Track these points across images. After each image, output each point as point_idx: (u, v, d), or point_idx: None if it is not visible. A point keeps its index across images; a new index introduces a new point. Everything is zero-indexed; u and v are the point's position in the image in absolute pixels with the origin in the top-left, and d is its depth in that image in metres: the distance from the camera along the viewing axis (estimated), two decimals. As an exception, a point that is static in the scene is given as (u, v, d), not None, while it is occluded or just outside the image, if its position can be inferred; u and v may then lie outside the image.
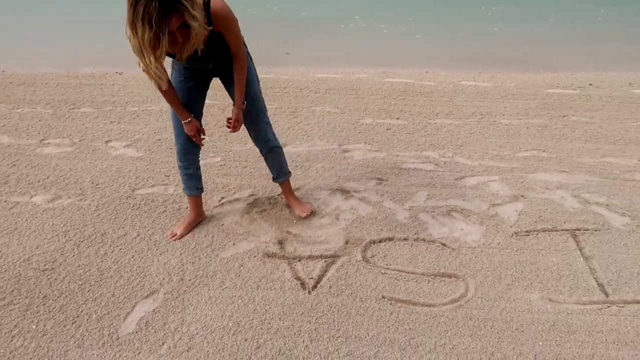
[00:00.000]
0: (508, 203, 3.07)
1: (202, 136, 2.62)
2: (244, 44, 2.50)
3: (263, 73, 5.39)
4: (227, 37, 2.30)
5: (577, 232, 2.79)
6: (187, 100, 2.52)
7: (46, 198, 3.18)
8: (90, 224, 2.92)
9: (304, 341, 2.14)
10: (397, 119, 4.27)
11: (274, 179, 2.95)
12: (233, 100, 2.54)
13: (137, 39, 1.96)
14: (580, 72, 5.44)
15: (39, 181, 3.37)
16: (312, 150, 3.76)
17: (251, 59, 2.60)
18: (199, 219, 2.91)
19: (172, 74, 2.52)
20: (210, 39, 2.26)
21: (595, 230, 2.79)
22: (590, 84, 4.97)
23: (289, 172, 2.97)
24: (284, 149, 3.69)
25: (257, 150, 3.48)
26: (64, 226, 2.90)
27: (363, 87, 4.99)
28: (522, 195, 3.13)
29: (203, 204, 2.96)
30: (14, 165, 3.59)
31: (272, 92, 4.80)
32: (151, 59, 2.03)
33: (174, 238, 2.79)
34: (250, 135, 2.75)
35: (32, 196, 3.21)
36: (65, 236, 2.81)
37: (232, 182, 3.33)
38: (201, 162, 2.88)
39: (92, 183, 3.35)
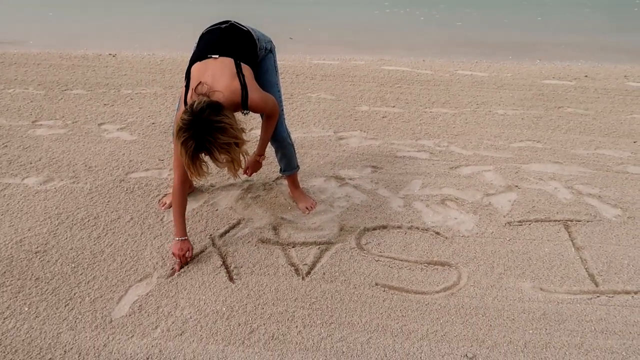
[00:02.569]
0: (502, 193, 3.08)
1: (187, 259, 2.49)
2: (265, 43, 2.56)
3: (259, 58, 5.36)
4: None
5: (569, 222, 2.81)
6: None
7: (38, 180, 3.16)
8: (83, 207, 2.90)
9: (297, 326, 2.15)
10: (393, 107, 4.26)
11: (281, 171, 2.92)
12: None
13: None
14: (576, 63, 5.44)
15: (31, 163, 3.34)
16: (307, 137, 3.75)
17: (272, 50, 2.62)
18: (189, 189, 2.95)
19: None
20: None
21: (587, 221, 2.82)
22: (586, 76, 4.98)
23: (297, 166, 2.92)
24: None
25: (251, 136, 3.47)
26: (56, 209, 2.88)
27: (359, 74, 4.97)
28: (516, 186, 3.14)
29: (195, 184, 2.99)
30: (5, 146, 3.55)
31: (267, 78, 4.76)
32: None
33: (164, 207, 2.89)
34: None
35: (24, 178, 3.18)
36: (57, 219, 2.79)
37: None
38: None
39: (85, 166, 3.32)
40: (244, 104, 2.27)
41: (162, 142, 3.63)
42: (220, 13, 7.05)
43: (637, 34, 6.65)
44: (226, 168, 2.16)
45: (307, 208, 2.92)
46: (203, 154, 2.10)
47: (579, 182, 3.18)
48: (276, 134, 2.67)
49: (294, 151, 2.85)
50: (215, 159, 2.07)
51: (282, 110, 2.67)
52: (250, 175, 2.76)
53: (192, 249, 2.50)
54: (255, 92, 2.31)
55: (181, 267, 2.44)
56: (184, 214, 2.48)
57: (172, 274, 2.42)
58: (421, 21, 6.97)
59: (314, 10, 7.46)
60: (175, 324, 2.15)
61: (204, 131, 1.99)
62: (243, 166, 2.24)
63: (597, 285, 2.39)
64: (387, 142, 3.68)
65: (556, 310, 2.24)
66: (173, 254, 2.44)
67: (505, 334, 2.13)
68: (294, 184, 2.98)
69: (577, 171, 3.31)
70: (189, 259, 2.48)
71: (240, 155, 2.14)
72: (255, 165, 2.70)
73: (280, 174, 2.96)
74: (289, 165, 2.88)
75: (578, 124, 3.98)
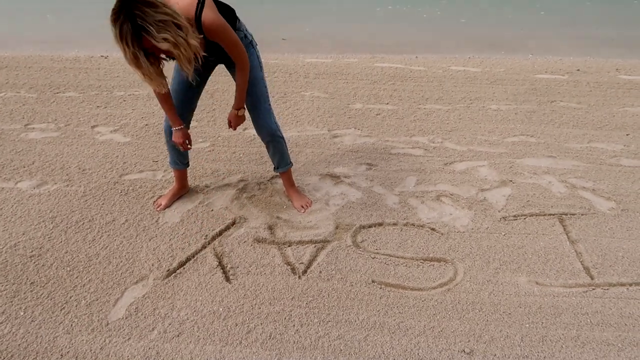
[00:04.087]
0: (496, 188, 3.09)
1: (189, 145, 2.63)
2: (246, 31, 2.51)
3: (251, 57, 5.34)
4: (222, 46, 2.29)
5: (564, 216, 2.82)
6: (185, 96, 2.59)
7: (32, 184, 3.14)
8: (78, 210, 2.89)
9: (294, 325, 2.15)
10: (387, 104, 4.26)
11: (275, 169, 2.91)
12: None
13: (124, 56, 2.02)
14: (568, 57, 5.46)
15: (24, 167, 3.32)
16: (302, 135, 3.74)
17: (254, 45, 2.58)
18: (182, 190, 3.01)
19: (173, 73, 2.57)
20: (210, 43, 2.26)
21: (582, 215, 2.83)
22: (578, 70, 5.00)
23: (291, 162, 2.91)
24: (274, 134, 3.69)
25: (246, 135, 3.47)
26: (50, 212, 2.86)
27: (353, 71, 4.97)
28: (511, 180, 3.15)
29: (190, 184, 3.01)
30: (-2, 150, 3.53)
31: (260, 77, 4.75)
32: (141, 72, 2.08)
33: (159, 208, 2.91)
34: (252, 121, 2.70)
35: (17, 182, 3.16)
36: (52, 222, 2.78)
37: (221, 167, 3.30)
38: (190, 148, 2.83)
39: (79, 169, 3.30)
40: (197, 18, 2.15)
41: (155, 143, 3.62)
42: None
43: (628, 27, 6.68)
44: (175, 55, 2.06)
45: (302, 207, 2.92)
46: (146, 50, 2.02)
47: (573, 176, 3.19)
48: (266, 128, 2.66)
49: (286, 146, 2.84)
50: (155, 41, 1.96)
51: (270, 104, 2.66)
52: (235, 129, 2.67)
53: (191, 137, 2.64)
54: (210, 10, 2.19)
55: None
56: (173, 108, 2.52)
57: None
58: (421, 18, 6.96)
59: (312, 9, 7.44)
60: (172, 326, 2.14)
61: (132, 7, 1.89)
62: (191, 59, 2.11)
63: (592, 278, 2.40)
64: (382, 140, 3.68)
65: (552, 304, 2.25)
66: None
67: (502, 328, 2.14)
68: (289, 181, 2.97)
69: (570, 165, 3.32)
70: (190, 147, 2.64)
71: (187, 44, 2.03)
72: (237, 119, 2.61)
73: (275, 172, 2.95)
74: (282, 161, 2.87)
75: (571, 117, 3.99)
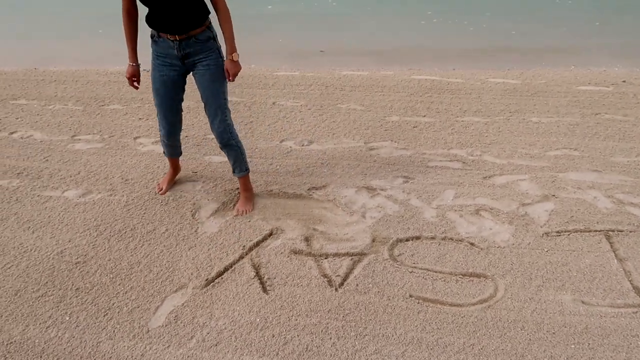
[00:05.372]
0: (538, 202, 3.00)
1: (136, 84, 2.87)
2: (216, 37, 2.73)
3: (289, 70, 5.42)
4: None
5: (610, 233, 2.72)
6: (165, 91, 2.81)
7: (78, 193, 3.26)
8: (120, 219, 2.97)
9: (331, 338, 2.14)
10: (424, 116, 4.22)
11: (233, 172, 3.05)
12: (202, 100, 2.81)
13: None
14: (613, 68, 5.29)
15: (70, 176, 3.45)
16: (338, 147, 3.75)
17: (222, 55, 2.74)
18: (177, 171, 3.33)
19: (151, 68, 2.81)
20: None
21: (630, 232, 2.72)
22: (624, 81, 4.83)
23: (247, 169, 3.03)
24: (309, 147, 3.74)
25: (282, 147, 3.53)
26: (95, 220, 2.96)
27: (389, 84, 4.96)
28: (553, 195, 3.06)
29: (228, 196, 3.13)
30: (47, 160, 3.68)
31: (297, 90, 4.81)
32: None
33: (161, 192, 3.21)
34: (209, 126, 2.89)
35: (64, 191, 3.28)
36: (96, 230, 2.87)
37: (258, 178, 3.34)
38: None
39: (122, 179, 3.41)
40: None
41: (194, 154, 3.70)
42: (255, 28, 7.15)
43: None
44: None
45: (239, 210, 3.00)
46: None
47: (620, 191, 3.07)
48: (220, 136, 2.83)
49: (242, 153, 2.97)
50: None
51: (227, 114, 2.82)
52: (233, 80, 2.72)
53: (140, 74, 2.84)
54: None
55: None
56: (133, 41, 2.73)
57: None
58: (466, 31, 6.89)
59: (353, 21, 7.48)
60: (211, 335, 2.17)
61: None
62: None
63: (642, 298, 2.29)
64: (419, 152, 3.64)
65: (599, 325, 2.16)
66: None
67: (546, 348, 2.06)
68: (243, 185, 3.07)
69: (617, 179, 3.20)
70: (137, 86, 2.86)
71: None
72: (232, 66, 2.67)
73: (232, 175, 3.07)
74: (237, 167, 3.00)
75: (617, 130, 3.85)
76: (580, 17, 7.30)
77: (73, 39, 7.04)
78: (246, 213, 3.00)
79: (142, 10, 2.65)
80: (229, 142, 2.86)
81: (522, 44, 6.31)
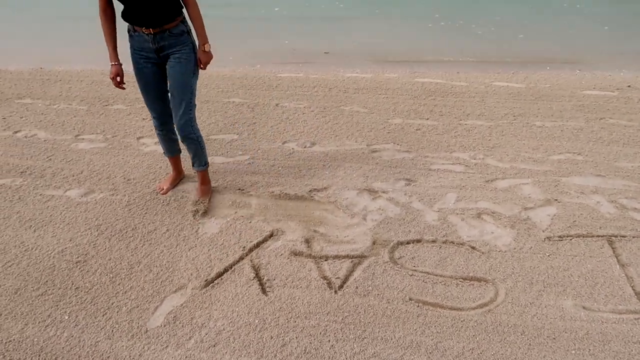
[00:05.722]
0: (541, 207, 2.99)
1: (123, 83, 2.86)
2: (190, 31, 2.81)
3: (293, 72, 5.42)
4: None
5: (613, 238, 2.70)
6: (146, 82, 2.86)
7: (80, 192, 3.26)
8: (122, 219, 2.98)
9: (329, 341, 2.13)
10: (427, 119, 4.21)
11: (192, 166, 3.15)
12: (169, 90, 2.88)
13: None
14: (618, 73, 5.26)
15: (73, 175, 3.46)
16: (340, 149, 3.74)
17: (194, 45, 2.82)
18: (179, 176, 3.33)
19: (132, 63, 2.84)
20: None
21: (633, 237, 2.70)
22: (629, 86, 4.80)
23: (207, 163, 3.13)
24: (312, 148, 3.73)
25: (285, 148, 3.53)
26: (96, 220, 2.96)
27: (393, 86, 4.95)
28: (556, 199, 3.04)
29: (229, 197, 3.04)
30: (50, 159, 3.69)
31: (300, 91, 4.81)
32: None
33: (162, 192, 3.22)
34: (172, 119, 2.96)
35: (67, 190, 3.29)
36: (97, 230, 2.87)
37: (260, 180, 3.34)
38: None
39: (124, 178, 3.41)
40: None
41: (197, 155, 3.70)
42: (262, 30, 7.13)
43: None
44: None
45: (199, 195, 3.15)
46: None
47: (623, 196, 3.05)
48: (181, 129, 2.88)
49: (202, 147, 3.04)
50: None
51: (191, 109, 2.87)
52: (205, 68, 2.88)
53: (123, 73, 2.82)
54: None
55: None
56: (113, 40, 2.76)
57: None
58: (474, 34, 6.87)
59: (358, 25, 7.48)
60: (209, 335, 2.16)
61: None
62: None
63: (644, 304, 2.27)
64: (421, 155, 3.63)
65: (600, 330, 2.14)
66: (110, 78, 2.82)
67: (546, 354, 2.05)
68: (202, 179, 3.18)
69: (621, 184, 3.18)
70: (122, 85, 2.84)
71: None
72: (204, 55, 2.83)
73: (192, 168, 3.16)
74: (196, 161, 3.10)
75: (621, 135, 3.83)
76: (590, 21, 7.27)
77: (79, 39, 7.08)
78: (207, 195, 3.17)
79: (118, 10, 2.72)
80: (190, 136, 2.92)
81: (529, 47, 6.29)
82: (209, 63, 2.87)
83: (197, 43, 2.82)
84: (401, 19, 7.65)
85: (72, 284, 2.46)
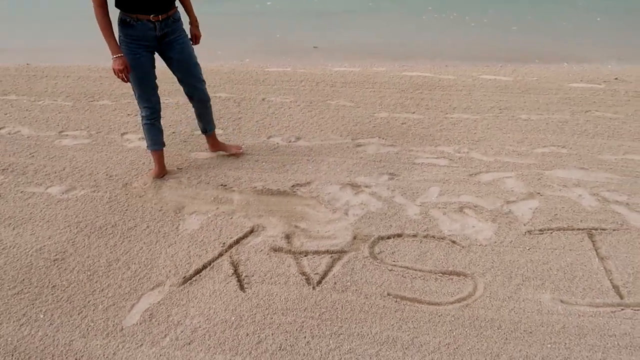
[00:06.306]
0: (523, 200, 2.98)
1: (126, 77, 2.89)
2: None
3: (280, 66, 5.39)
4: None
5: (593, 231, 2.69)
6: (143, 70, 2.92)
7: (61, 189, 3.24)
8: (102, 216, 2.96)
9: (305, 337, 2.12)
10: (413, 113, 4.19)
11: (205, 132, 3.42)
12: (176, 75, 3.12)
13: None
14: (606, 66, 5.25)
15: (55, 172, 3.43)
16: (325, 144, 3.73)
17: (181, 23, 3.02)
18: (163, 171, 3.33)
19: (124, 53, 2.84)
20: None
21: (613, 230, 2.69)
22: (616, 78, 4.79)
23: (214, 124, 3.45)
24: (296, 143, 3.74)
25: (270, 143, 3.52)
26: (76, 217, 2.94)
27: (380, 80, 4.92)
28: (538, 193, 3.04)
29: (212, 192, 3.00)
30: (32, 156, 3.66)
31: (287, 86, 4.78)
32: None
33: (144, 187, 3.23)
34: (186, 89, 3.18)
35: (48, 187, 3.27)
36: (77, 227, 2.85)
37: (243, 175, 3.32)
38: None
39: (107, 175, 3.39)
40: None
41: (181, 151, 3.68)
42: (253, 24, 7.10)
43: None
44: None
45: (234, 149, 3.51)
46: None
47: (605, 189, 3.04)
48: (206, 96, 3.23)
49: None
50: None
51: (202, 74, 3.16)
52: (198, 43, 3.16)
53: (129, 65, 2.82)
54: None
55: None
56: (113, 34, 2.76)
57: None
58: (468, 26, 6.84)
59: (350, 19, 7.43)
60: (184, 333, 2.15)
61: None
62: None
63: (621, 297, 2.27)
64: (406, 149, 3.62)
65: (577, 324, 2.14)
66: (113, 70, 2.79)
67: (522, 348, 2.05)
68: (216, 139, 3.51)
69: (603, 177, 3.17)
70: (127, 81, 2.86)
71: None
72: (199, 32, 3.16)
73: (206, 134, 3.46)
74: (210, 124, 3.40)
75: (606, 128, 3.82)
76: (583, 12, 7.25)
77: (67, 35, 7.02)
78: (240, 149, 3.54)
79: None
80: (208, 101, 3.25)
81: (521, 40, 6.27)
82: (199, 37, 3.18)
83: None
84: (395, 13, 7.61)
85: (49, 282, 2.45)
